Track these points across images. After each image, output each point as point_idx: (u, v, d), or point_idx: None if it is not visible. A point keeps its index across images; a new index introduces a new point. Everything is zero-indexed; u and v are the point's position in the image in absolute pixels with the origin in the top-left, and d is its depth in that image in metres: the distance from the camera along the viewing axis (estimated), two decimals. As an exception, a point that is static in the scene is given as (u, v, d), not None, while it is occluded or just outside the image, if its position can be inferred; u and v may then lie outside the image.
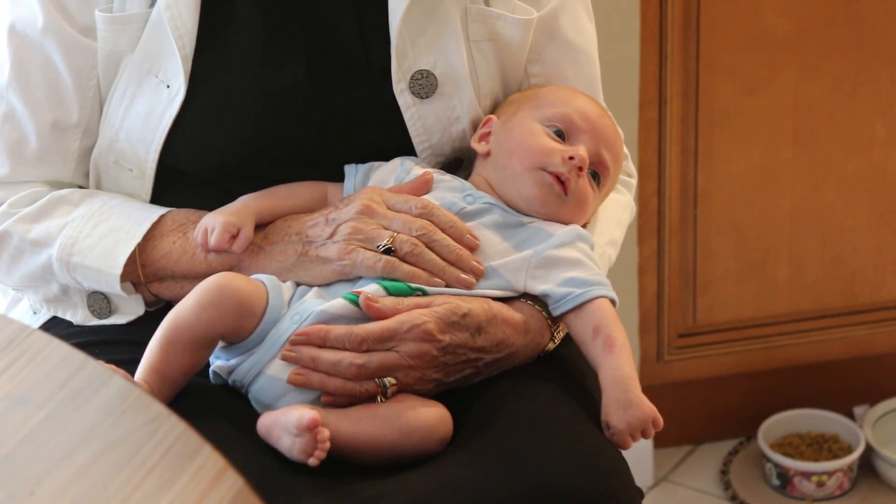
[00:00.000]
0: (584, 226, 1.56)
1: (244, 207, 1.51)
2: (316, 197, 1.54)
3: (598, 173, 1.54)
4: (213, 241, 1.49)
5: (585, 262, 1.49)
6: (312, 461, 1.34)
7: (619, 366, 1.43)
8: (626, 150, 1.72)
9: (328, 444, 1.34)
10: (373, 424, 1.39)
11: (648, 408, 1.41)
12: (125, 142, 1.54)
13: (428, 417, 1.40)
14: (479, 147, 1.56)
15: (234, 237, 1.49)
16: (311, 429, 1.33)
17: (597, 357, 1.44)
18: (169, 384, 1.41)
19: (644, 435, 1.41)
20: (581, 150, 1.51)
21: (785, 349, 2.59)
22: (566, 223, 1.52)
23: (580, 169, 1.50)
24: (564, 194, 1.50)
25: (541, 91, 1.59)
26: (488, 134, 1.56)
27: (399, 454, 1.38)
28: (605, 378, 1.43)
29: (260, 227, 1.52)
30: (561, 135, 1.53)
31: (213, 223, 1.49)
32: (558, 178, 1.50)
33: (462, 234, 1.48)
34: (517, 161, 1.52)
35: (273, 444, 1.37)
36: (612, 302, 1.48)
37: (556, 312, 1.48)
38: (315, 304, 1.43)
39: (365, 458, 1.38)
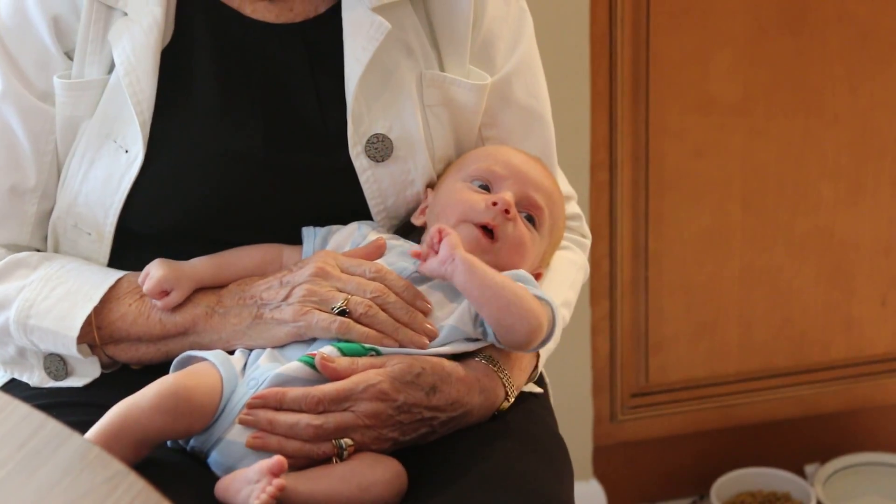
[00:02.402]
0: (537, 277, 1.58)
1: (192, 271, 1.52)
2: (269, 259, 1.55)
3: (532, 216, 1.56)
4: (145, 288, 1.51)
5: None
6: (254, 501, 1.34)
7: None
8: (579, 210, 1.75)
9: (279, 488, 1.34)
10: (329, 482, 1.40)
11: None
12: (84, 206, 1.55)
13: (384, 472, 1.42)
14: (417, 221, 1.59)
15: (165, 293, 1.51)
16: (275, 472, 1.34)
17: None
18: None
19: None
20: (505, 195, 1.53)
21: (736, 408, 2.61)
22: (510, 270, 1.52)
23: (507, 212, 1.52)
24: (493, 242, 1.52)
25: (467, 155, 1.61)
26: (426, 208, 1.58)
27: None
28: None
29: (214, 290, 1.53)
30: (486, 188, 1.55)
31: (155, 272, 1.51)
32: (484, 229, 1.52)
33: (414, 299, 1.49)
34: (444, 220, 1.53)
35: (230, 502, 1.38)
36: (553, 319, 1.50)
37: (490, 332, 1.49)
38: (270, 368, 1.45)
39: None
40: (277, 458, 1.35)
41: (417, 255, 1.47)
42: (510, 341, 1.49)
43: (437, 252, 1.45)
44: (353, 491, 1.39)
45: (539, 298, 1.48)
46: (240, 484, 1.37)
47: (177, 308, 1.52)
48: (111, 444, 1.38)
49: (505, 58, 1.64)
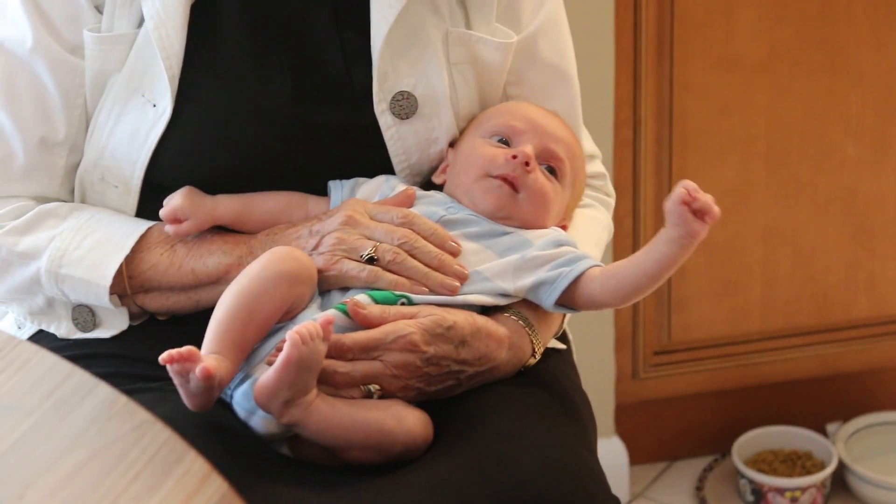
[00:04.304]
0: (563, 228, 1.58)
1: (213, 206, 1.54)
2: (294, 204, 1.56)
3: (552, 167, 1.56)
4: (161, 212, 1.53)
5: (569, 251, 1.51)
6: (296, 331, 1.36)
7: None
8: (604, 169, 1.75)
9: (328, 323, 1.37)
10: (367, 409, 1.41)
11: None
12: (111, 159, 1.56)
13: (417, 412, 1.43)
14: (437, 180, 1.59)
15: (178, 221, 1.53)
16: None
17: (646, 247, 1.48)
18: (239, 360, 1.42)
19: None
20: (524, 148, 1.54)
21: (758, 367, 2.62)
22: (535, 223, 1.54)
23: (526, 164, 1.53)
24: (515, 192, 1.53)
25: (485, 112, 1.62)
26: (447, 166, 1.59)
27: (387, 444, 1.41)
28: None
29: (245, 240, 1.55)
30: (505, 142, 1.56)
31: (175, 201, 1.53)
32: (505, 180, 1.53)
33: (444, 241, 1.50)
34: (465, 176, 1.55)
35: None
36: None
37: (552, 299, 1.49)
38: (307, 315, 1.45)
39: (355, 443, 1.40)
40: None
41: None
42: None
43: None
44: (388, 419, 1.41)
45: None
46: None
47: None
48: (247, 325, 1.41)
49: (531, 16, 1.64)
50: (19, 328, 1.64)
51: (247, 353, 1.42)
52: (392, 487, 1.36)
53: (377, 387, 1.43)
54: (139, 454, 1.15)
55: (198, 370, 1.35)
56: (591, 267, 1.49)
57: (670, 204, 1.44)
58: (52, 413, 1.21)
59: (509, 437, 1.42)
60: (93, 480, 1.13)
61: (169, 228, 1.54)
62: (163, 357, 1.36)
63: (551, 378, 1.55)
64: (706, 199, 1.44)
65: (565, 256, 1.51)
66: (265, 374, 1.38)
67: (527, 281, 1.50)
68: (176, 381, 1.38)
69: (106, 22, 1.55)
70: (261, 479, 1.37)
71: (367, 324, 1.44)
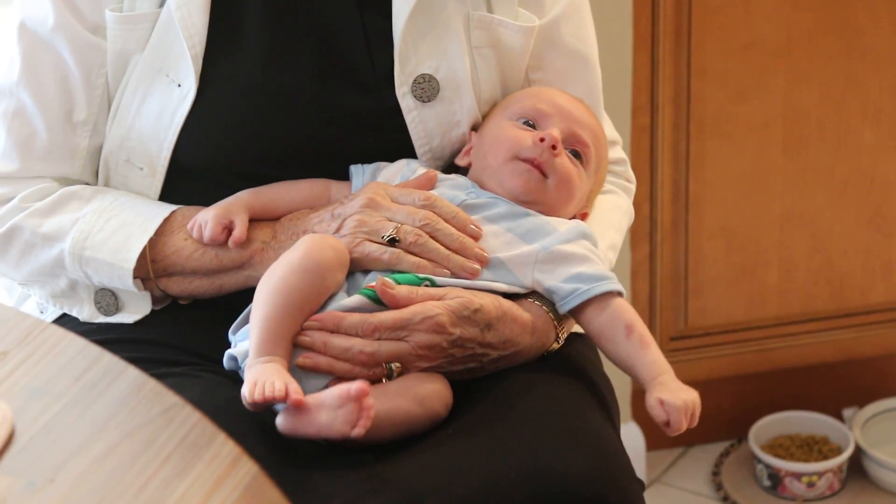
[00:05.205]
0: (583, 217, 1.59)
1: (237, 201, 1.54)
2: (316, 192, 1.56)
3: (578, 151, 1.56)
4: (206, 235, 1.52)
5: (590, 257, 1.51)
6: (357, 431, 1.34)
7: (661, 360, 1.48)
8: (624, 155, 1.75)
9: (373, 413, 1.34)
10: (386, 398, 1.41)
11: (694, 392, 1.46)
12: (137, 140, 1.56)
13: (434, 384, 1.44)
14: (461, 162, 1.59)
15: (227, 229, 1.52)
16: (359, 398, 1.34)
17: (634, 354, 1.48)
18: (290, 354, 1.42)
19: (692, 420, 1.45)
20: (551, 131, 1.54)
21: (775, 352, 2.62)
22: (559, 208, 1.54)
23: (553, 148, 1.53)
24: (544, 177, 1.53)
25: (511, 95, 1.62)
26: (471, 148, 1.59)
27: (413, 422, 1.41)
28: (649, 370, 1.47)
29: (269, 225, 1.55)
30: (532, 125, 1.56)
31: (206, 218, 1.52)
32: (534, 164, 1.53)
33: (465, 224, 1.50)
34: (492, 158, 1.55)
35: (301, 431, 1.37)
36: (620, 294, 1.50)
37: (562, 309, 1.50)
38: (336, 300, 1.46)
39: (381, 432, 1.40)
40: (360, 385, 1.34)
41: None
42: None
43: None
44: (410, 403, 1.41)
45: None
46: (316, 408, 1.36)
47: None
48: (296, 317, 1.41)
49: (554, 1, 1.64)
50: (42, 312, 1.64)
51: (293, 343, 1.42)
52: (418, 469, 1.37)
53: (398, 365, 1.43)
54: (168, 438, 1.16)
55: (290, 402, 1.35)
56: (606, 292, 1.49)
57: (665, 409, 1.45)
58: (81, 397, 1.21)
59: (534, 419, 1.43)
60: (123, 464, 1.13)
61: (231, 243, 1.52)
62: (253, 398, 1.35)
63: (575, 362, 1.55)
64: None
65: (587, 271, 1.50)
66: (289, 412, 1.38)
67: (544, 283, 1.50)
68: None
69: (128, 1, 1.54)
70: (288, 461, 1.37)
71: (395, 304, 1.44)
